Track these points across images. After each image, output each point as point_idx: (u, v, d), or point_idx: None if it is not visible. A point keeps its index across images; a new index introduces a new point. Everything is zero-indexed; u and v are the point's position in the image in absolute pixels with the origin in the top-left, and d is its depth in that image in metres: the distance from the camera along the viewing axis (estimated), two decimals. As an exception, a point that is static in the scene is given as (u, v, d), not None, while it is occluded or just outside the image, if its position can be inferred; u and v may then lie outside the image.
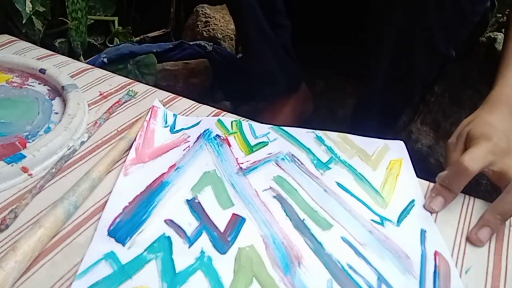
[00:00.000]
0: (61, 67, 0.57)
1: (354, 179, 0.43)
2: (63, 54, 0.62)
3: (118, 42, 1.01)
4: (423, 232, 0.38)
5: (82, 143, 0.45)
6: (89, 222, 0.37)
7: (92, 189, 0.39)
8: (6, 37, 0.64)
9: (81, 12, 0.88)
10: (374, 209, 0.40)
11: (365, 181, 0.43)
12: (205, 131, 0.48)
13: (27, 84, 0.54)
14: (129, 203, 0.38)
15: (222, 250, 0.34)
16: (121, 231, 0.35)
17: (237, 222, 0.37)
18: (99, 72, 0.58)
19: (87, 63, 0.69)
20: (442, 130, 0.93)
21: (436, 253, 0.36)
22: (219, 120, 0.50)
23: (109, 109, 0.50)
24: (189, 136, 0.47)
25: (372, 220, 0.39)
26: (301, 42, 0.74)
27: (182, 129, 0.48)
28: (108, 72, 0.58)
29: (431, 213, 0.40)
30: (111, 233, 0.35)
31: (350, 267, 0.34)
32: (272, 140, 0.48)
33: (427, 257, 0.36)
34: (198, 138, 0.47)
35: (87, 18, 0.91)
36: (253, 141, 0.47)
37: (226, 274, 0.33)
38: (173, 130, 0.48)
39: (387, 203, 0.41)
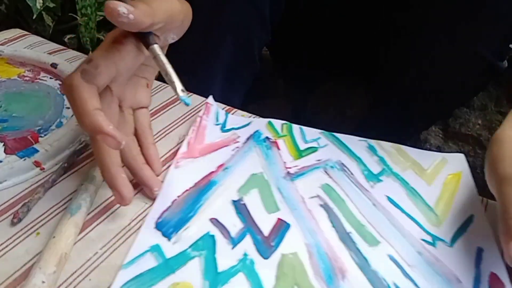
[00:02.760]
0: (72, 61, 0.57)
1: (406, 194, 0.41)
2: (72, 50, 0.62)
3: (127, 39, 1.01)
4: (479, 252, 0.36)
5: None
6: (102, 217, 0.37)
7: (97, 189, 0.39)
8: (17, 31, 0.64)
9: (91, 8, 0.87)
10: (426, 227, 0.38)
11: (418, 196, 0.41)
12: (255, 132, 0.48)
13: (39, 79, 0.54)
14: (178, 196, 0.39)
15: (265, 255, 0.34)
16: (168, 226, 0.36)
17: (281, 227, 0.37)
18: (110, 68, 0.58)
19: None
20: (451, 131, 0.92)
21: (491, 275, 0.34)
22: (269, 122, 0.49)
23: (119, 104, 0.50)
24: (239, 136, 0.47)
25: (423, 240, 0.37)
26: (311, 48, 0.72)
27: (232, 128, 0.48)
28: (118, 68, 0.59)
29: (492, 230, 0.37)
30: (159, 226, 0.36)
31: (397, 287, 0.33)
32: (322, 146, 0.47)
33: (481, 279, 0.33)
34: (247, 139, 0.47)
35: (97, 14, 0.90)
36: (302, 146, 0.47)
37: (267, 279, 0.32)
38: (223, 129, 0.48)
39: (441, 221, 0.39)
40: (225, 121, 0.49)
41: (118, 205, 0.38)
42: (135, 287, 0.31)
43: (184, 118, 0.50)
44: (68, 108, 0.49)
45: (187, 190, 0.40)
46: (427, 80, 0.56)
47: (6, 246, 0.34)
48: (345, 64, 0.75)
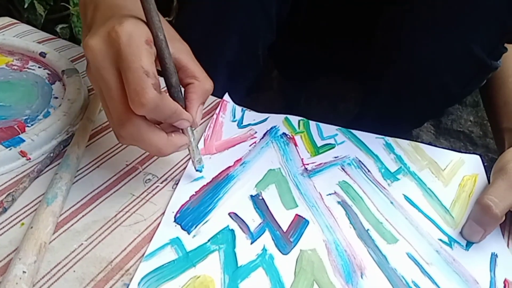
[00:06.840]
0: (61, 51, 0.56)
1: (422, 194, 0.42)
2: (64, 39, 0.61)
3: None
4: (493, 257, 0.36)
5: None
6: (87, 208, 0.36)
7: (75, 169, 0.39)
8: (7, 20, 0.63)
9: (84, -3, 0.87)
10: (443, 228, 0.38)
11: (435, 197, 0.41)
12: (271, 128, 0.48)
13: (27, 68, 0.52)
14: (196, 192, 0.39)
15: (284, 251, 0.34)
16: (187, 219, 0.36)
17: (300, 223, 0.37)
18: (100, 58, 0.58)
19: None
20: (443, 127, 0.93)
21: (506, 282, 0.34)
22: (286, 118, 0.50)
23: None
24: (256, 132, 0.47)
25: (440, 240, 0.37)
26: (302, 40, 0.71)
27: (249, 124, 0.48)
28: (108, 59, 0.58)
29: (503, 235, 0.38)
30: (178, 220, 0.36)
31: (415, 285, 0.33)
32: (339, 143, 0.47)
33: (496, 284, 0.34)
34: (264, 134, 0.47)
35: (90, 4, 0.89)
36: (319, 142, 0.47)
37: (287, 274, 0.33)
38: (240, 125, 0.48)
39: (457, 223, 0.39)
40: (242, 117, 0.50)
41: (104, 196, 0.37)
42: (156, 279, 0.31)
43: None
44: (56, 98, 0.48)
45: (204, 185, 0.40)
46: (418, 76, 0.55)
47: (-10, 237, 0.33)
48: (339, 59, 0.75)
